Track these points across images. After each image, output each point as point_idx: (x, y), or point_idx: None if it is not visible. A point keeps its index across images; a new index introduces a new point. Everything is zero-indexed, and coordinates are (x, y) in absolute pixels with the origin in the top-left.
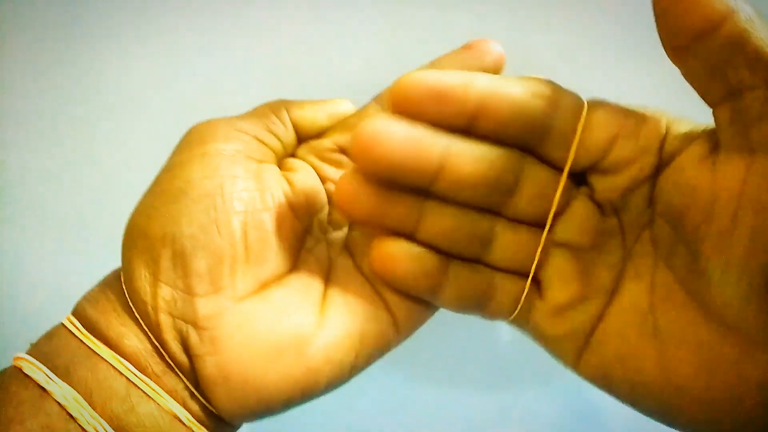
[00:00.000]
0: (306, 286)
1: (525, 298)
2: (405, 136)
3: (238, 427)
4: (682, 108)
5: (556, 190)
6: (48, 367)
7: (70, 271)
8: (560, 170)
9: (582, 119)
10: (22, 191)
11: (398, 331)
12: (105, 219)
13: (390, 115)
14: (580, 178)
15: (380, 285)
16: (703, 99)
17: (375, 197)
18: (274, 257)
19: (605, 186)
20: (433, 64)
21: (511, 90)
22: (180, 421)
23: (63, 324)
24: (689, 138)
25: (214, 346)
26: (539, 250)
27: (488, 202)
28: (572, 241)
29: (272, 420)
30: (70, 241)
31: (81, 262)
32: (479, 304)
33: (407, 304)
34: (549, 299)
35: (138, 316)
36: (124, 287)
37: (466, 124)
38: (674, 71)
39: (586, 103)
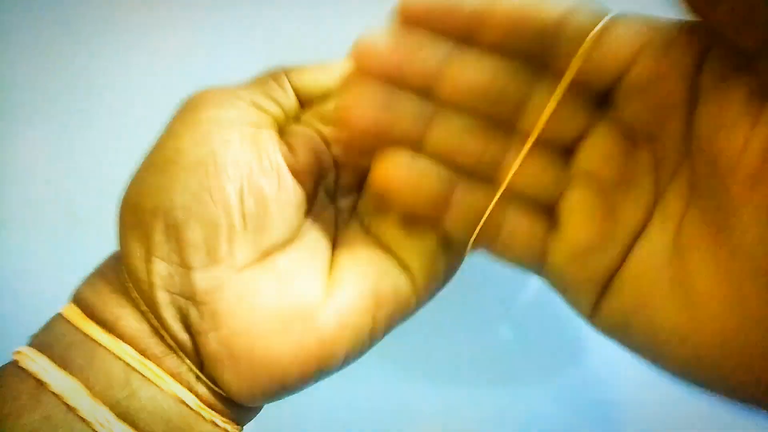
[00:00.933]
0: (312, 252)
1: (540, 235)
2: (403, 42)
3: (258, 410)
4: None
5: (576, 110)
6: (47, 357)
7: (70, 271)
8: (580, 88)
9: (598, 27)
10: (23, 191)
11: (416, 290)
12: (105, 218)
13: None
14: (605, 100)
15: (393, 243)
16: (740, 47)
17: (378, 105)
18: (274, 224)
19: (633, 108)
20: None
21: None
22: (186, 405)
23: (60, 312)
24: (733, 67)
25: (215, 321)
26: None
27: (497, 118)
28: (596, 173)
29: (270, 421)
30: (69, 240)
31: (81, 262)
32: (488, 236)
33: (422, 259)
34: (567, 238)
35: (135, 296)
36: (123, 267)
37: (467, 35)
38: None
39: (609, 14)
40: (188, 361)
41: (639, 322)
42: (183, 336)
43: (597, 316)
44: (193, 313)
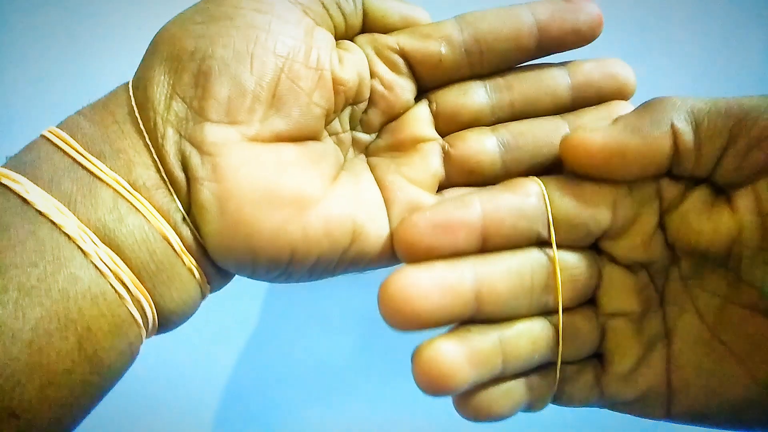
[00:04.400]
0: (321, 157)
1: (593, 381)
2: (432, 283)
3: (221, 284)
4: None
5: (584, 271)
6: (28, 178)
7: None
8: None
9: (548, 205)
10: None
11: (391, 249)
12: None
13: (407, 266)
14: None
15: (390, 194)
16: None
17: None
18: (297, 115)
19: (622, 249)
20: (528, 6)
21: (505, 197)
22: (170, 245)
23: (44, 137)
24: (685, 186)
25: (215, 174)
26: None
27: (531, 306)
28: (621, 309)
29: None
30: None
31: None
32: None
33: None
34: (614, 370)
35: (141, 123)
36: (131, 94)
37: (480, 243)
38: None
39: (544, 192)
40: (177, 201)
41: (716, 407)
42: (180, 174)
43: (674, 417)
44: (195, 160)
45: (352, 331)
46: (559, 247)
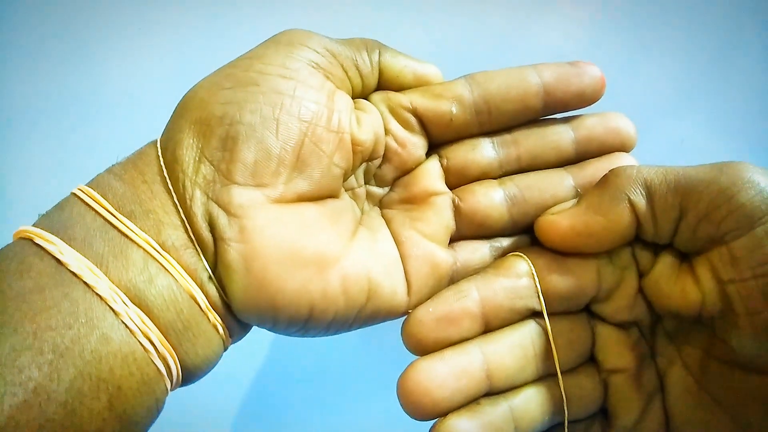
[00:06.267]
0: (339, 214)
1: None
2: (446, 371)
3: (241, 336)
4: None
5: (580, 334)
6: (62, 239)
7: None
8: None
9: (537, 284)
10: (23, 190)
11: (409, 304)
12: None
13: (420, 360)
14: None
15: (407, 249)
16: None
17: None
18: (318, 176)
19: (610, 311)
20: (535, 68)
21: (499, 282)
22: (197, 303)
23: (76, 195)
24: (654, 250)
25: (242, 235)
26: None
27: (537, 373)
28: (618, 365)
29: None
30: None
31: None
32: None
33: (425, 276)
34: (619, 425)
35: (170, 185)
36: (160, 154)
37: (482, 327)
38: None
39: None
40: (204, 261)
41: None
42: (207, 235)
43: None
44: (222, 221)
45: (357, 334)
46: (552, 315)
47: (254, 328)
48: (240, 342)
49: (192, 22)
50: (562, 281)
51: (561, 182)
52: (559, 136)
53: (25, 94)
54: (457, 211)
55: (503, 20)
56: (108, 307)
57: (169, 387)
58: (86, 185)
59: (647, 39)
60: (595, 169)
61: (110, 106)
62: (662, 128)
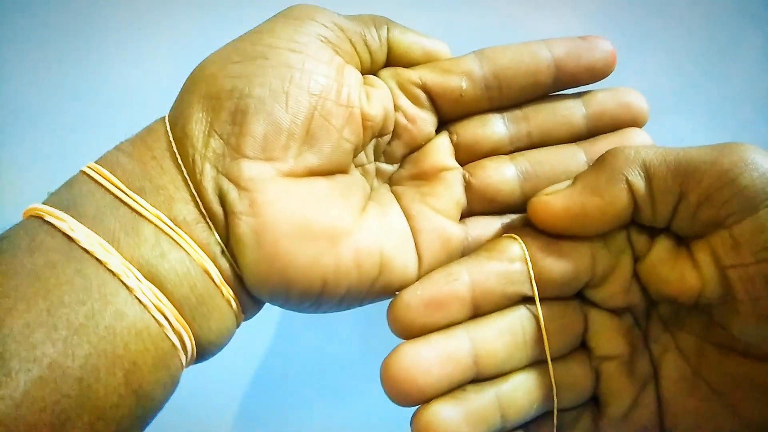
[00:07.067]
0: (349, 189)
1: (584, 423)
2: (432, 356)
3: (254, 312)
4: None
5: (572, 320)
6: (72, 216)
7: None
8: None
9: (530, 268)
10: (23, 190)
11: (420, 275)
12: None
13: (405, 343)
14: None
15: (417, 223)
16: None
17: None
18: (328, 151)
19: (604, 296)
20: (545, 42)
21: (491, 265)
22: (211, 278)
23: (85, 173)
24: (651, 234)
25: (253, 209)
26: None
27: (527, 359)
28: (611, 352)
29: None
30: None
31: None
32: None
33: (436, 251)
34: (610, 413)
35: (179, 159)
36: (168, 129)
37: (471, 311)
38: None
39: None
40: (216, 235)
41: None
42: (218, 209)
43: None
44: (233, 195)
45: (356, 328)
46: (544, 301)
47: (254, 323)
48: (239, 342)
49: (193, 21)
50: (556, 266)
51: (573, 157)
52: (570, 112)
53: (25, 93)
54: (468, 186)
55: (502, 16)
56: (121, 283)
57: (184, 362)
58: (95, 162)
59: (647, 36)
60: (608, 144)
61: (110, 105)
62: (662, 126)
